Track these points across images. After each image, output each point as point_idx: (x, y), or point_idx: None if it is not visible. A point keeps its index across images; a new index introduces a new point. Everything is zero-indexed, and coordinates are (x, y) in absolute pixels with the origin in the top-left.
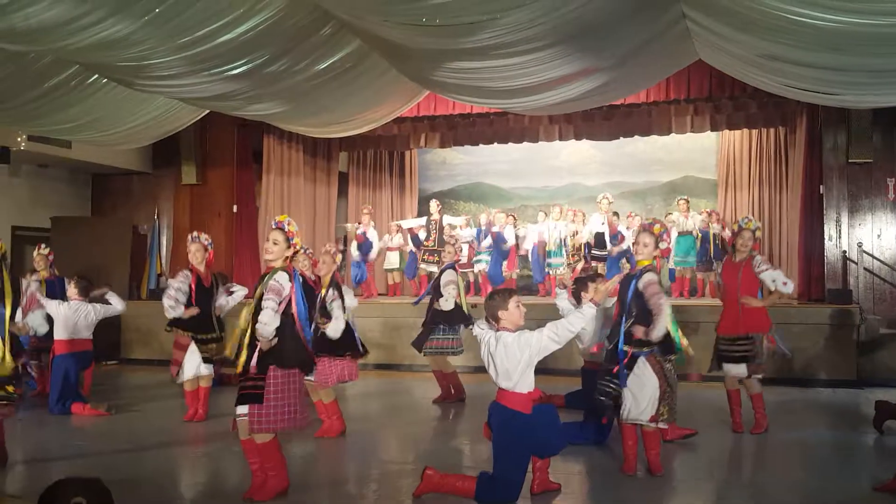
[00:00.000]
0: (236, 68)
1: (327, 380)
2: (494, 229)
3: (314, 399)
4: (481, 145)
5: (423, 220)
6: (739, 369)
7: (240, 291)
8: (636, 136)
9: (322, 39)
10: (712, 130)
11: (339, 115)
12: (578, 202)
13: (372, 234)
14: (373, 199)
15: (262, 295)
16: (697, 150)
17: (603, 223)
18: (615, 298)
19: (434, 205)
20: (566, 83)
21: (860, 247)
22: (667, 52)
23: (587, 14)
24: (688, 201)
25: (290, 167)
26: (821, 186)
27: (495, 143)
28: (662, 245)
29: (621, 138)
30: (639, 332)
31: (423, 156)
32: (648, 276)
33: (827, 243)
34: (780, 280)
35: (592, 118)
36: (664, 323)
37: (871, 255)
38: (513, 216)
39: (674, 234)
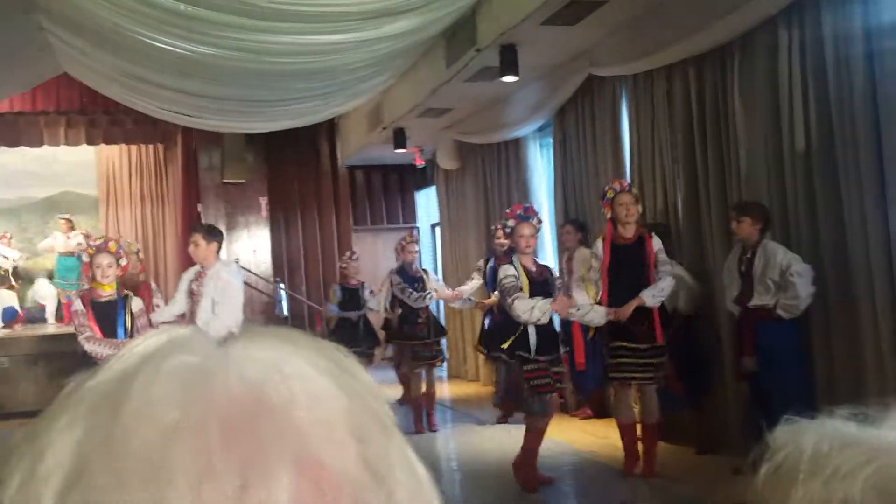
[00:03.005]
0: None
1: None
2: None
3: None
4: None
5: None
6: None
7: None
8: (3, 147)
9: None
10: (88, 144)
11: None
12: None
13: None
14: None
15: None
16: (76, 163)
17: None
18: None
19: None
20: None
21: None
22: (28, 62)
23: None
24: (70, 220)
25: None
26: (199, 204)
27: None
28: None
29: None
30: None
31: None
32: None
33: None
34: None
35: None
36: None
37: (248, 270)
38: None
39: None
